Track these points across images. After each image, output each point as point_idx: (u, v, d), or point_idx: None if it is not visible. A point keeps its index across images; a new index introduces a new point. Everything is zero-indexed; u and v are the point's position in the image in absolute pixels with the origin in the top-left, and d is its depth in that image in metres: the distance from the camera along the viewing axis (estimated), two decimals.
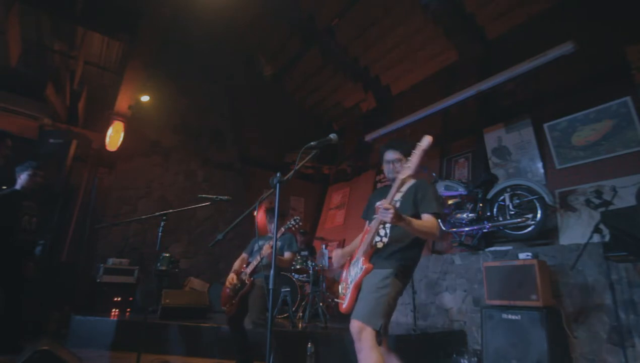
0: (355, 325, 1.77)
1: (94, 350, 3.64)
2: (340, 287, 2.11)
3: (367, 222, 2.23)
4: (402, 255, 1.96)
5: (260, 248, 2.92)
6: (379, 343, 1.76)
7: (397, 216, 1.75)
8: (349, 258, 2.16)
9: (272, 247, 2.56)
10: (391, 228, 2.02)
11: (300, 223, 2.90)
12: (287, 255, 3.12)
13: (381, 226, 2.05)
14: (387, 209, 1.73)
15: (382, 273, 1.89)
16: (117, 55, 5.71)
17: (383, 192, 2.15)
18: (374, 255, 1.99)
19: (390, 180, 2.19)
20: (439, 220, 2.05)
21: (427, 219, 1.93)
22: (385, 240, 2.01)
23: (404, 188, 2.12)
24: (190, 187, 6.31)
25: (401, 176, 1.89)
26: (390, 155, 2.17)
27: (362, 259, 1.96)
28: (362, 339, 1.72)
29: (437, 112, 5.43)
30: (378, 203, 1.79)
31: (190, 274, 5.84)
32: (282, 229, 2.83)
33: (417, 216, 1.97)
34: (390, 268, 1.90)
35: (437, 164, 5.67)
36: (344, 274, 2.12)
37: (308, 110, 8.29)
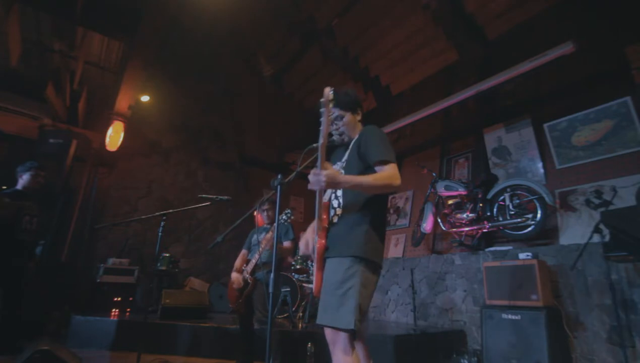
0: (326, 333, 1.59)
1: (94, 350, 3.65)
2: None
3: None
4: (362, 231, 1.66)
5: (258, 243, 2.95)
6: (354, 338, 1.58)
7: (332, 179, 1.54)
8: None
9: (271, 237, 2.57)
10: (344, 197, 1.76)
11: (292, 217, 2.97)
12: (285, 244, 3.14)
13: (334, 196, 1.80)
14: (316, 175, 1.51)
15: (344, 263, 1.60)
16: (117, 55, 5.71)
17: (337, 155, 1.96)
18: (331, 231, 1.73)
19: (336, 142, 1.95)
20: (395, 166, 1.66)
21: (378, 170, 1.65)
22: (339, 211, 1.74)
23: (351, 145, 1.86)
24: (190, 187, 6.32)
25: (321, 143, 1.60)
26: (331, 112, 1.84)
27: (317, 237, 1.73)
28: (336, 343, 1.55)
29: (437, 112, 5.42)
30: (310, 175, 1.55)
31: (190, 274, 5.85)
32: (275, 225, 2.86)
33: (370, 170, 1.70)
34: (351, 255, 1.61)
35: (437, 164, 5.68)
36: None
37: (308, 110, 8.28)
